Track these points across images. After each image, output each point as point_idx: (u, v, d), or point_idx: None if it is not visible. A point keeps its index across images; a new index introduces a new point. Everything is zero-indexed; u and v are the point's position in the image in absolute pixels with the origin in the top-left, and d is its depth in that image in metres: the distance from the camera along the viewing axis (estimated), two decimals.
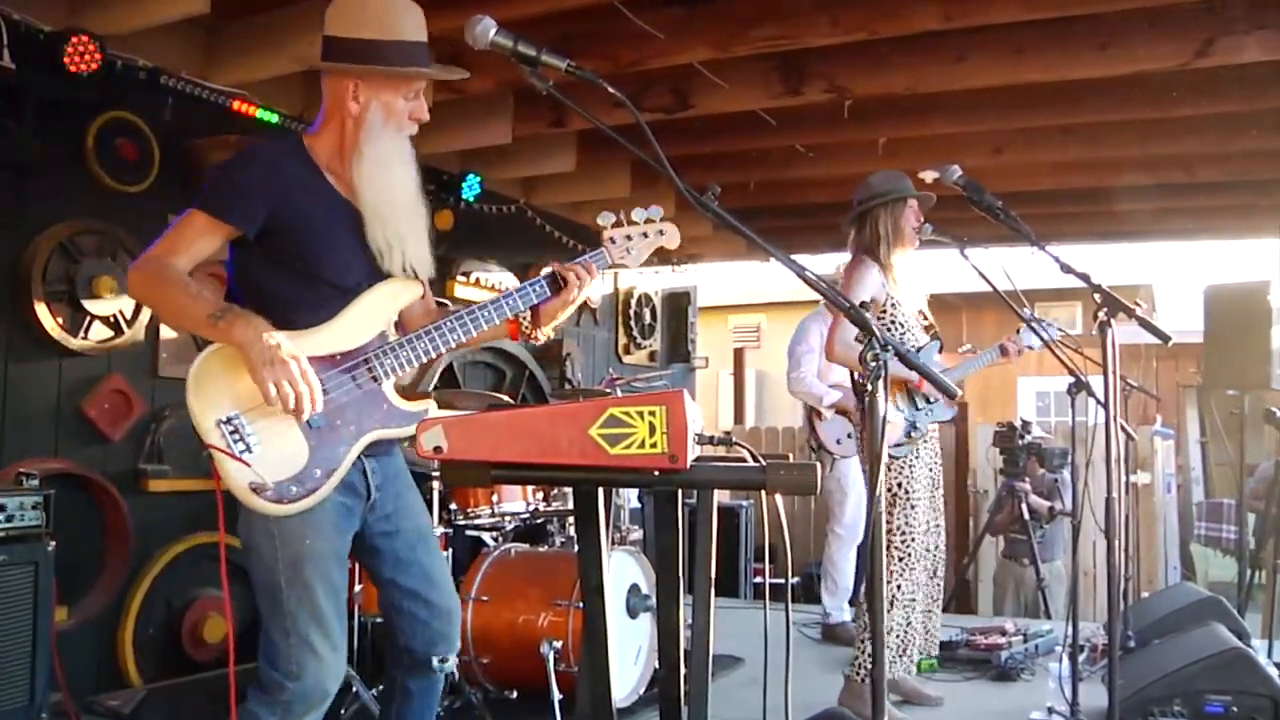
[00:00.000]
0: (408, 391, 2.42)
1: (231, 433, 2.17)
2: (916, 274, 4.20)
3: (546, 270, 2.49)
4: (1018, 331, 4.37)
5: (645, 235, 2.58)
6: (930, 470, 4.09)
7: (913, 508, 3.95)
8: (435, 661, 2.57)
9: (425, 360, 2.39)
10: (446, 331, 2.38)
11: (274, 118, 4.86)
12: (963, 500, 8.98)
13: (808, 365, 5.49)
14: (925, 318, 4.28)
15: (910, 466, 3.98)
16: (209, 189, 2.32)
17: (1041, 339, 3.93)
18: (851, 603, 5.67)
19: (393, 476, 2.50)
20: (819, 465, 1.92)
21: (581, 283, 2.50)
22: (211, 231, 2.28)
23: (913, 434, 3.99)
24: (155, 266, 2.25)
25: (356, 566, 3.91)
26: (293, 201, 2.30)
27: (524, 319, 2.54)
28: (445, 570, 2.66)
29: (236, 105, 4.71)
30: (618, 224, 2.55)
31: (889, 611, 3.88)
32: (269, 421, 2.19)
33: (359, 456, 2.32)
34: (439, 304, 2.71)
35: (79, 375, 4.33)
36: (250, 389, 2.16)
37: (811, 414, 5.51)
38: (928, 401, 4.05)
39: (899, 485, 3.95)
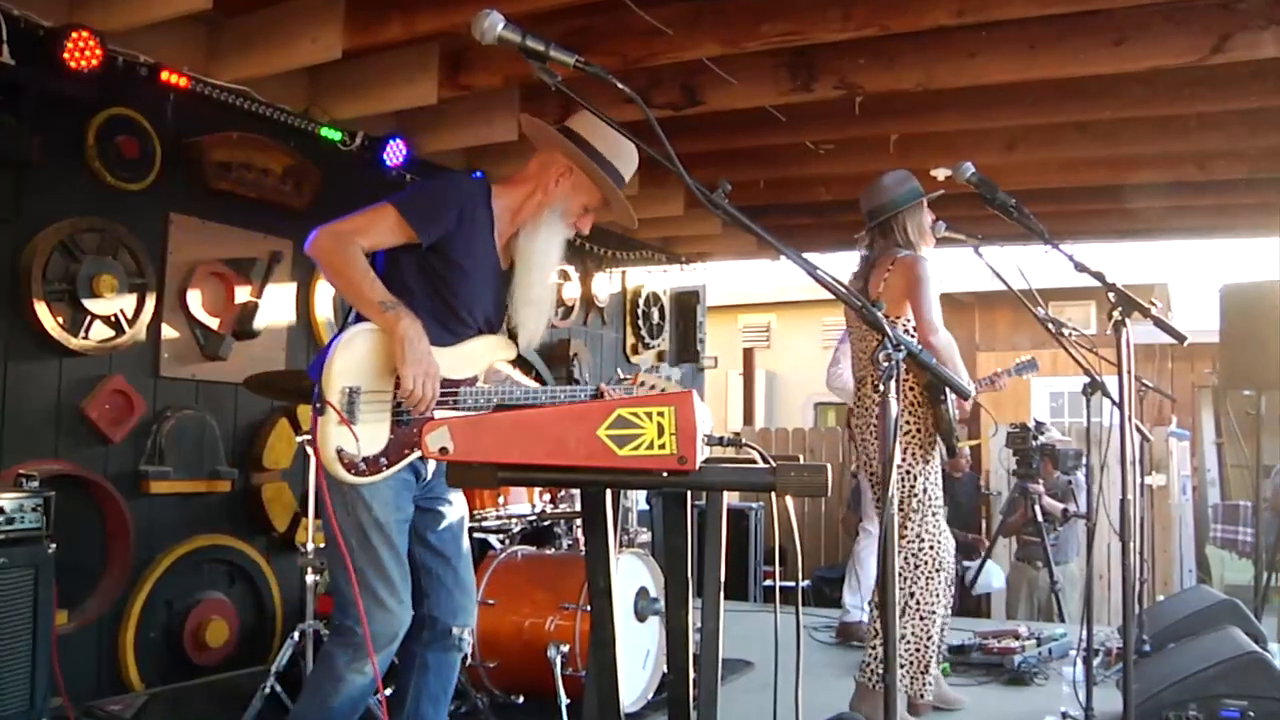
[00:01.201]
0: None
1: (349, 402, 2.52)
2: None
3: (593, 387, 2.85)
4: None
5: (664, 391, 2.97)
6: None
7: (934, 515, 3.90)
8: (455, 630, 2.84)
9: (491, 408, 2.74)
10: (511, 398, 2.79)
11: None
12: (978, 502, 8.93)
13: (846, 363, 5.47)
14: None
15: (936, 472, 3.94)
16: (411, 196, 2.67)
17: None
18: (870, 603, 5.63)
19: (442, 474, 2.78)
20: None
21: None
22: (397, 231, 2.62)
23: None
24: (345, 240, 2.57)
25: None
26: (466, 238, 2.68)
27: None
28: (469, 554, 2.98)
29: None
30: (650, 370, 2.94)
31: (901, 619, 3.81)
32: (374, 405, 2.58)
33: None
34: None
35: (79, 375, 4.29)
36: (378, 374, 2.57)
37: (849, 412, 5.51)
38: None
39: (923, 490, 3.87)
